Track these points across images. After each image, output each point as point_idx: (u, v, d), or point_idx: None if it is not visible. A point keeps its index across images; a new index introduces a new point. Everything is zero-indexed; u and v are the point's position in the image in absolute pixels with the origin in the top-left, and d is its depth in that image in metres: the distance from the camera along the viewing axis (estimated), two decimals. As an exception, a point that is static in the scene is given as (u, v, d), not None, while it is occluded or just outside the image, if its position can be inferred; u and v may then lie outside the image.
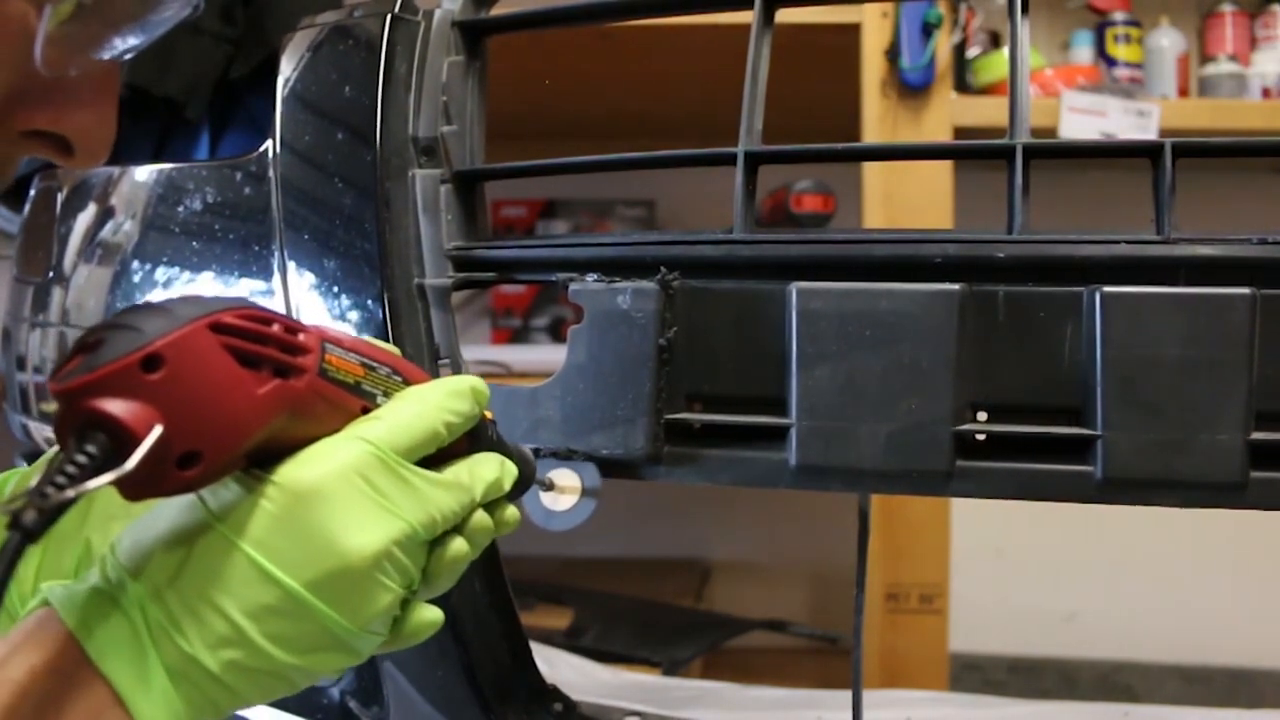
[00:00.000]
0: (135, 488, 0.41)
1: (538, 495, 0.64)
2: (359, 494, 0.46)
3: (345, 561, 0.45)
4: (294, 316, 0.53)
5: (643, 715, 0.81)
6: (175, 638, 0.43)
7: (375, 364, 0.50)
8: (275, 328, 0.45)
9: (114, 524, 0.56)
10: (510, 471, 0.54)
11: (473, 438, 0.53)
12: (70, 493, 0.38)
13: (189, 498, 0.46)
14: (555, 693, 0.75)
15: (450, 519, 0.50)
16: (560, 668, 1.18)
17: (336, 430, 0.48)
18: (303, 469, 0.46)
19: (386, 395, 0.50)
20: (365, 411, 0.49)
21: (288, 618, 0.44)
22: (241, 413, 0.43)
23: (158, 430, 0.40)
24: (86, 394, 0.40)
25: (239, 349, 0.43)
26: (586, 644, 1.48)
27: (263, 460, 0.46)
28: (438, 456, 0.50)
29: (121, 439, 0.40)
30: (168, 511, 0.46)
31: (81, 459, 0.39)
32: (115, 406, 0.40)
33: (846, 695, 0.71)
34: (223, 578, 0.44)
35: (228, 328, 0.43)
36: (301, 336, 0.46)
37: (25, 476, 0.58)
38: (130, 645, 0.43)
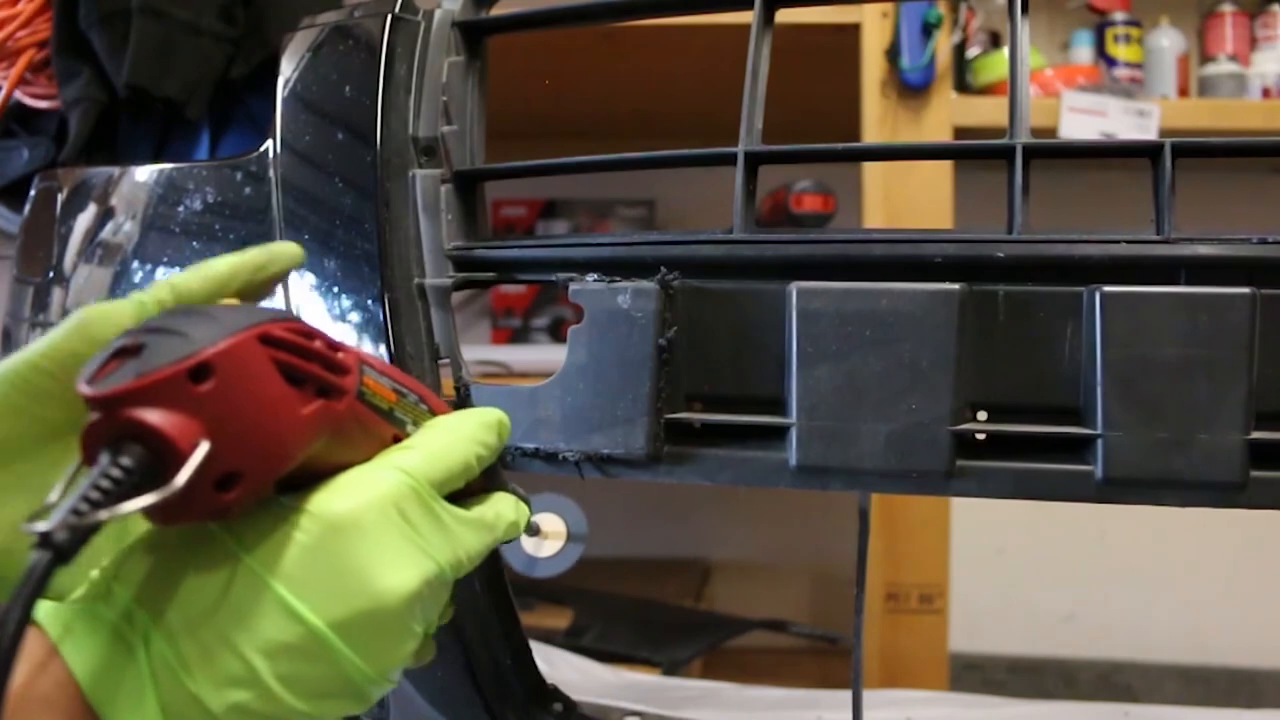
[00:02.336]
0: (168, 511, 0.38)
1: (520, 542, 0.62)
2: (395, 529, 0.43)
3: (378, 602, 0.42)
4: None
5: (643, 715, 0.81)
6: (181, 675, 0.40)
7: (405, 390, 0.48)
8: (318, 343, 0.42)
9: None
10: (524, 513, 0.52)
11: (490, 475, 0.51)
12: (104, 515, 0.35)
13: (206, 524, 0.42)
14: (555, 693, 0.75)
15: (474, 561, 0.47)
16: (560, 668, 1.18)
17: (367, 458, 0.45)
18: (337, 499, 0.43)
19: (415, 424, 0.48)
20: (396, 440, 0.47)
21: (306, 659, 0.41)
22: (286, 433, 0.40)
23: (205, 447, 0.37)
24: (128, 402, 0.36)
25: (286, 364, 0.40)
26: (586, 644, 1.49)
27: (289, 488, 0.43)
28: (458, 492, 0.48)
29: (162, 454, 0.37)
30: (184, 534, 0.43)
31: (117, 473, 0.36)
32: (159, 418, 0.36)
33: (846, 695, 0.71)
34: (244, 614, 0.41)
35: (276, 340, 0.40)
36: (341, 355, 0.44)
37: None
38: (132, 684, 0.40)
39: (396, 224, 0.68)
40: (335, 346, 0.44)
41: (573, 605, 1.65)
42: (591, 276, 0.63)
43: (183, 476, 0.37)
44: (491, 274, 0.69)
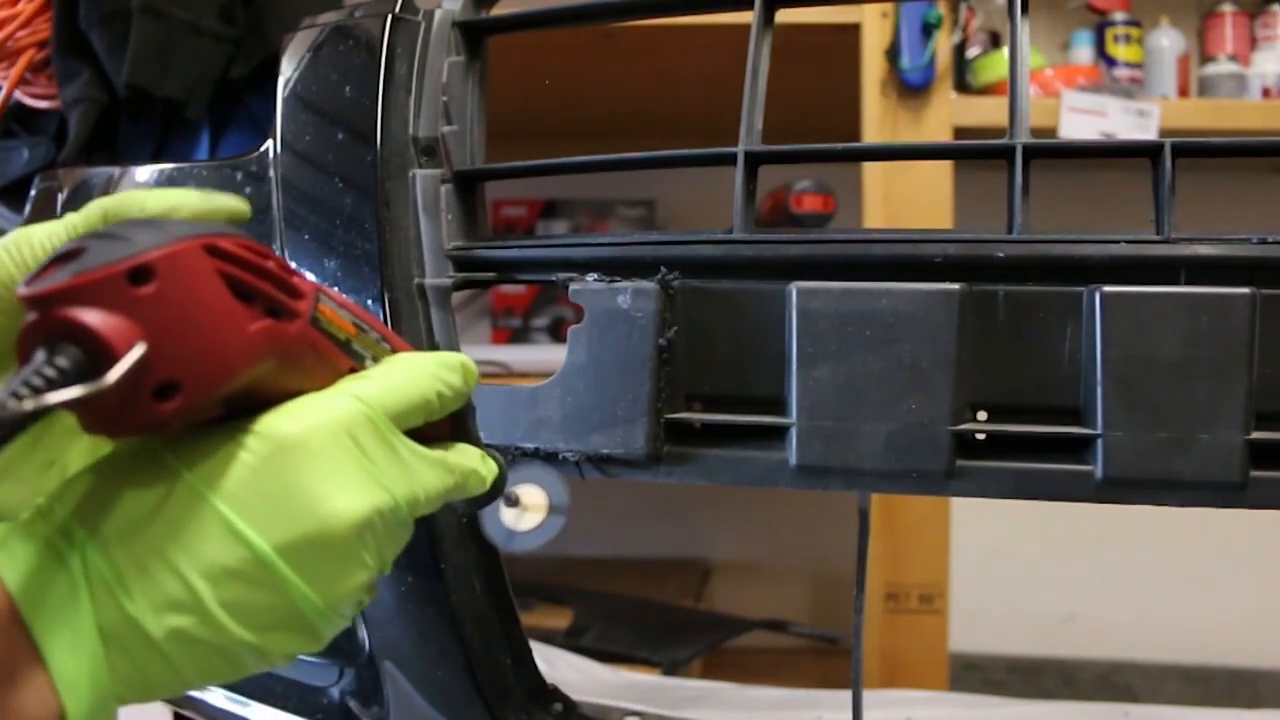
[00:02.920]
0: (102, 416, 0.37)
1: (499, 513, 0.61)
2: (346, 454, 0.42)
3: (325, 526, 0.41)
4: None
5: (643, 715, 0.81)
6: (119, 595, 0.39)
7: (365, 326, 0.48)
8: (272, 264, 0.41)
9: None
10: (491, 467, 0.51)
11: (456, 424, 0.51)
12: (29, 404, 0.34)
13: (153, 443, 0.41)
14: (555, 693, 0.75)
15: (432, 501, 0.46)
16: (560, 668, 1.18)
17: (322, 388, 0.44)
18: (287, 420, 0.42)
19: (375, 360, 0.48)
20: (353, 372, 0.47)
21: (251, 584, 0.40)
22: (230, 346, 0.39)
23: (140, 348, 0.36)
24: (63, 301, 0.36)
25: (234, 277, 0.39)
26: (586, 644, 1.49)
27: (239, 413, 0.42)
28: (420, 436, 0.47)
29: (97, 355, 0.36)
30: (128, 455, 0.42)
31: (50, 372, 0.35)
32: (94, 318, 0.36)
33: (846, 695, 0.71)
34: (183, 532, 0.39)
35: (224, 253, 0.39)
36: (297, 280, 0.43)
37: None
38: (65, 598, 0.38)
39: (396, 224, 0.68)
40: (291, 271, 0.43)
41: (573, 605, 1.65)
42: (591, 276, 0.63)
43: (114, 374, 0.35)
44: (491, 274, 0.69)
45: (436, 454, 0.47)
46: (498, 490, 0.53)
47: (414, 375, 0.47)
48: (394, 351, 0.50)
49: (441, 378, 0.48)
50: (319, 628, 0.43)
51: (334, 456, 0.42)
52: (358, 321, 0.47)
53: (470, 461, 0.50)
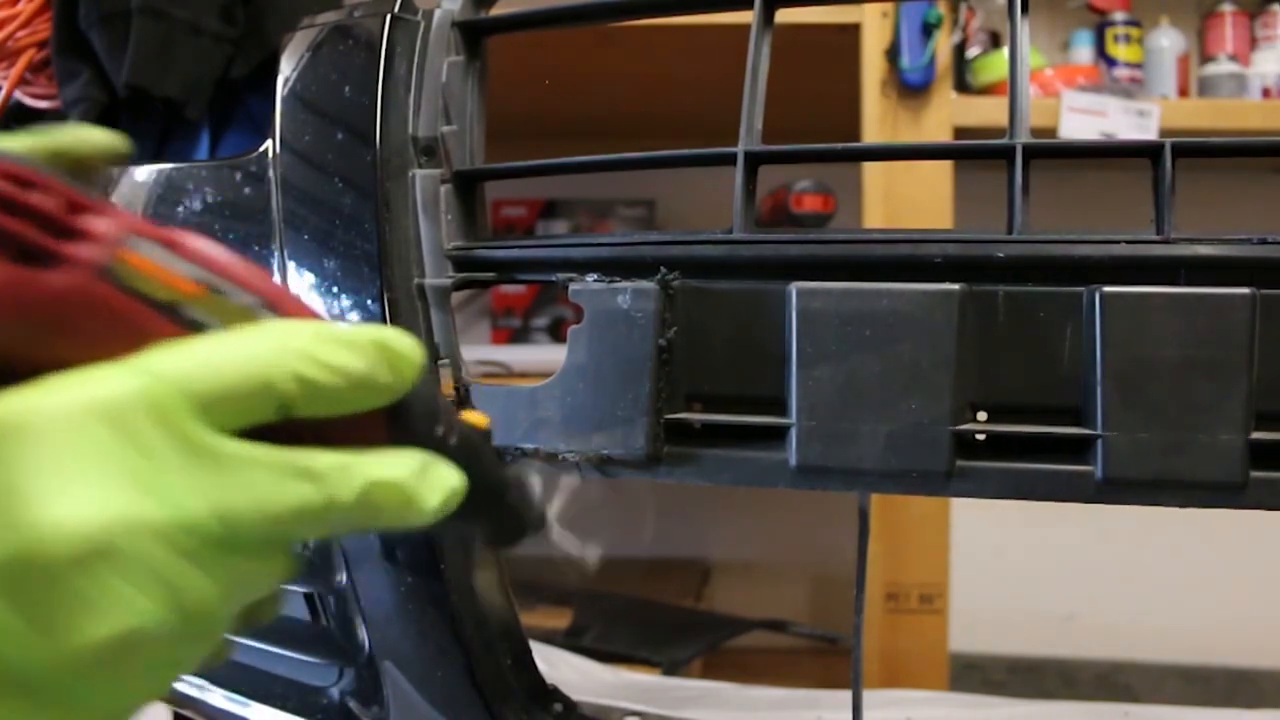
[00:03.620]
0: None
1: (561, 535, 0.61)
2: (96, 448, 0.31)
3: (36, 542, 0.29)
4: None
5: (643, 715, 0.81)
6: None
7: (227, 286, 0.35)
8: (39, 197, 0.32)
9: None
10: (442, 482, 0.37)
11: (397, 424, 0.37)
12: None
13: None
14: (555, 693, 0.75)
15: (283, 520, 0.33)
16: (560, 668, 1.18)
17: None
18: (23, 398, 0.31)
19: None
20: None
21: None
22: None
23: None
24: None
25: None
26: (586, 644, 1.49)
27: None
28: (317, 438, 0.35)
29: None
30: None
31: None
32: None
33: (846, 695, 0.71)
34: None
35: None
36: (89, 220, 0.33)
37: None
38: None
39: (396, 224, 0.68)
40: (81, 207, 0.33)
41: (573, 605, 1.65)
42: (591, 276, 0.63)
43: None
44: (491, 274, 0.69)
45: (291, 456, 0.34)
46: (516, 533, 0.47)
47: (255, 349, 0.34)
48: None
49: (310, 353, 0.34)
50: (50, 690, 0.30)
51: (74, 448, 0.31)
52: (208, 278, 0.35)
53: (381, 470, 0.35)
